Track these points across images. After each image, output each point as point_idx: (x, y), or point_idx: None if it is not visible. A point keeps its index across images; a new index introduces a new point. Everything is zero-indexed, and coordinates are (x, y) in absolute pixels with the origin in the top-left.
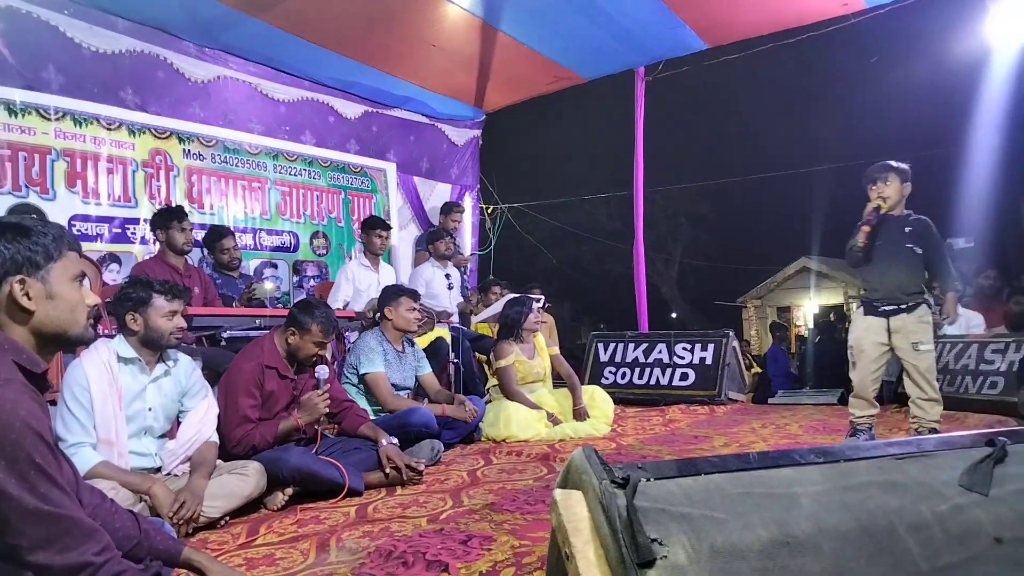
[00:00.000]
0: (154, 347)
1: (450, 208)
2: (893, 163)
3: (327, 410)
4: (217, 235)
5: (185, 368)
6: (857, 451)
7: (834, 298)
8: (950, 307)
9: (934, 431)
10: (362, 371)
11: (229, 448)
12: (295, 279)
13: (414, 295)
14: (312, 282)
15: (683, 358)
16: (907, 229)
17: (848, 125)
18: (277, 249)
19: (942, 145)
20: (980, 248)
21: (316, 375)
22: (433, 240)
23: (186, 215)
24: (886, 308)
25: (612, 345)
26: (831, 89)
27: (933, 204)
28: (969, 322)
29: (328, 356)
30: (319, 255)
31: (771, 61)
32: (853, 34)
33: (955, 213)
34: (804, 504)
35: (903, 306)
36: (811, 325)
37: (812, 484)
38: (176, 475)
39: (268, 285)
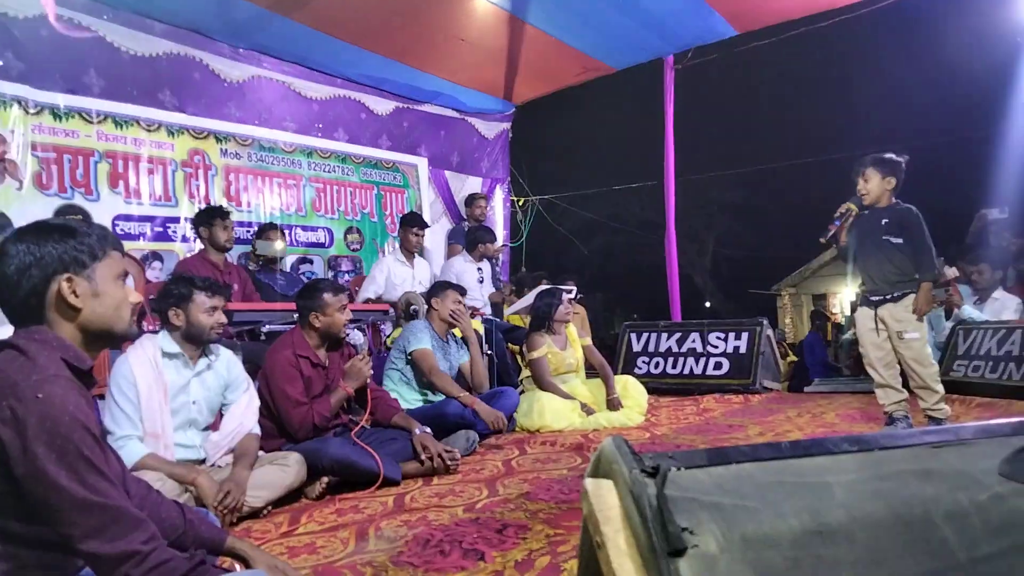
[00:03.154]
0: (196, 342)
1: (473, 199)
2: (880, 156)
3: (371, 372)
4: (269, 227)
5: (227, 361)
6: (892, 439)
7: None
8: (922, 300)
9: (935, 420)
10: (410, 348)
11: (293, 433)
12: (330, 274)
13: (461, 290)
14: (347, 277)
15: (717, 347)
16: (884, 221)
17: (882, 108)
18: (312, 245)
19: (980, 126)
20: (1018, 220)
21: (352, 342)
22: (484, 239)
23: (228, 214)
24: (873, 299)
25: (645, 335)
26: (864, 72)
27: (967, 179)
28: (1005, 306)
29: (366, 349)
30: (353, 250)
31: (802, 46)
32: (886, 15)
33: (991, 186)
34: (837, 493)
35: (888, 296)
36: (848, 312)
37: (845, 473)
38: (220, 466)
39: (277, 245)
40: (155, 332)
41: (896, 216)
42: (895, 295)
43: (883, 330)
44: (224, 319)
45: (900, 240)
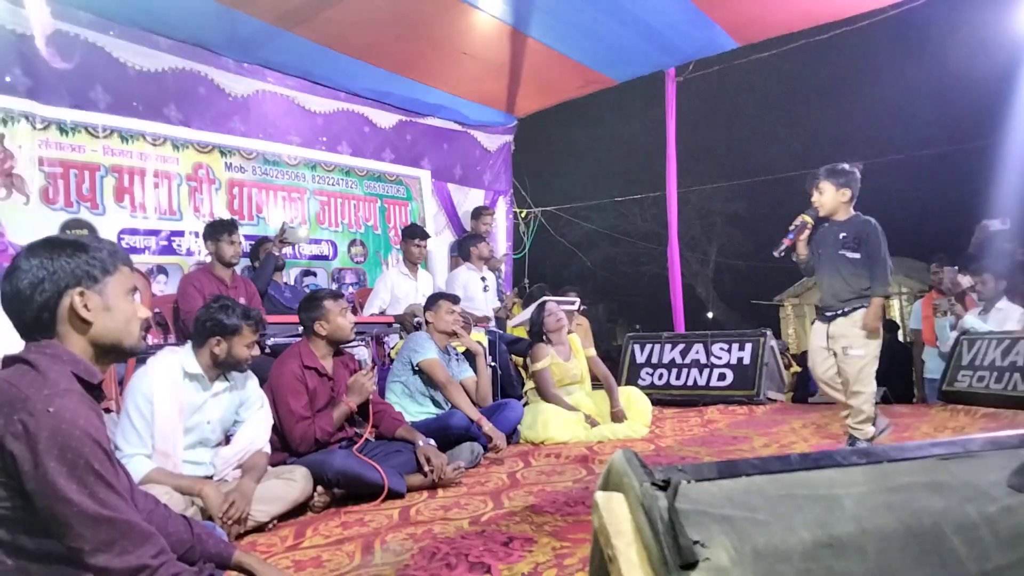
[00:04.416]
0: (226, 369)
1: (480, 212)
2: (834, 167)
3: (374, 388)
4: (265, 240)
5: (243, 380)
6: (900, 452)
7: None
8: (870, 315)
9: (853, 439)
10: (416, 360)
11: (295, 448)
12: (334, 286)
13: (453, 299)
14: (351, 289)
15: (720, 358)
16: (842, 235)
17: (883, 119)
18: (316, 257)
19: (981, 135)
20: (1020, 231)
21: (357, 357)
22: (474, 244)
23: (236, 228)
24: (827, 314)
25: (648, 346)
26: (865, 84)
27: (969, 189)
28: (1008, 316)
29: (369, 363)
30: (357, 263)
31: (803, 58)
32: (887, 27)
33: (993, 196)
34: (847, 505)
35: (839, 312)
36: None
37: (854, 485)
38: (227, 480)
39: (302, 231)
40: (159, 346)
41: (854, 230)
42: (846, 310)
43: (827, 347)
44: (258, 351)
45: (857, 255)
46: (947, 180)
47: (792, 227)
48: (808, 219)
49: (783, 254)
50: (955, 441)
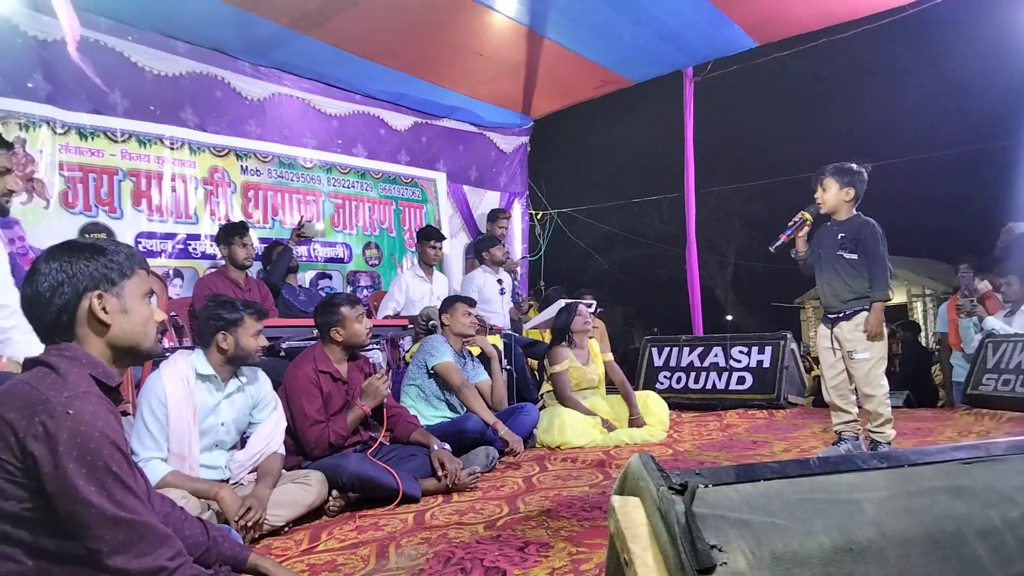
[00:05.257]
0: (237, 364)
1: (496, 215)
2: (840, 165)
3: (389, 391)
4: (278, 243)
5: (257, 381)
6: (922, 456)
7: (895, 297)
8: (873, 320)
9: (876, 443)
10: (432, 364)
11: (308, 451)
12: (349, 289)
13: (469, 301)
14: (366, 292)
15: (740, 361)
16: (840, 235)
17: (904, 119)
18: (331, 260)
19: (1006, 135)
20: None
21: (372, 361)
22: (488, 247)
23: (247, 231)
24: (830, 316)
25: (666, 349)
26: (886, 83)
27: (994, 191)
28: None
29: (384, 367)
30: (372, 265)
31: (822, 57)
32: (907, 25)
33: (1019, 198)
34: (867, 510)
35: (841, 314)
36: None
37: (875, 490)
38: (242, 483)
39: (319, 226)
40: (188, 349)
41: (853, 230)
42: (847, 312)
43: (839, 350)
44: (266, 342)
45: (855, 256)
46: (972, 181)
47: (791, 223)
48: (808, 216)
49: (778, 250)
50: (977, 445)
